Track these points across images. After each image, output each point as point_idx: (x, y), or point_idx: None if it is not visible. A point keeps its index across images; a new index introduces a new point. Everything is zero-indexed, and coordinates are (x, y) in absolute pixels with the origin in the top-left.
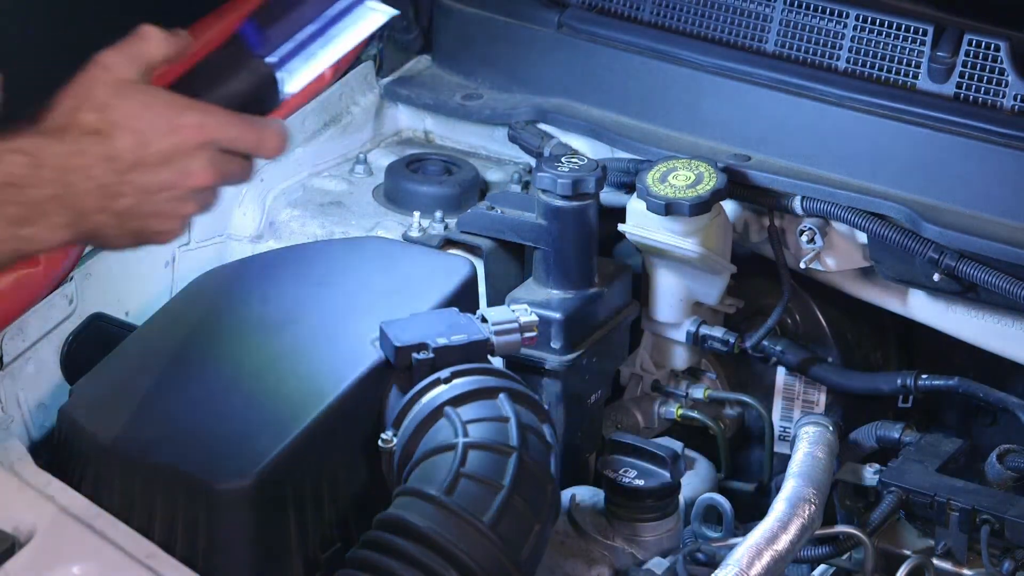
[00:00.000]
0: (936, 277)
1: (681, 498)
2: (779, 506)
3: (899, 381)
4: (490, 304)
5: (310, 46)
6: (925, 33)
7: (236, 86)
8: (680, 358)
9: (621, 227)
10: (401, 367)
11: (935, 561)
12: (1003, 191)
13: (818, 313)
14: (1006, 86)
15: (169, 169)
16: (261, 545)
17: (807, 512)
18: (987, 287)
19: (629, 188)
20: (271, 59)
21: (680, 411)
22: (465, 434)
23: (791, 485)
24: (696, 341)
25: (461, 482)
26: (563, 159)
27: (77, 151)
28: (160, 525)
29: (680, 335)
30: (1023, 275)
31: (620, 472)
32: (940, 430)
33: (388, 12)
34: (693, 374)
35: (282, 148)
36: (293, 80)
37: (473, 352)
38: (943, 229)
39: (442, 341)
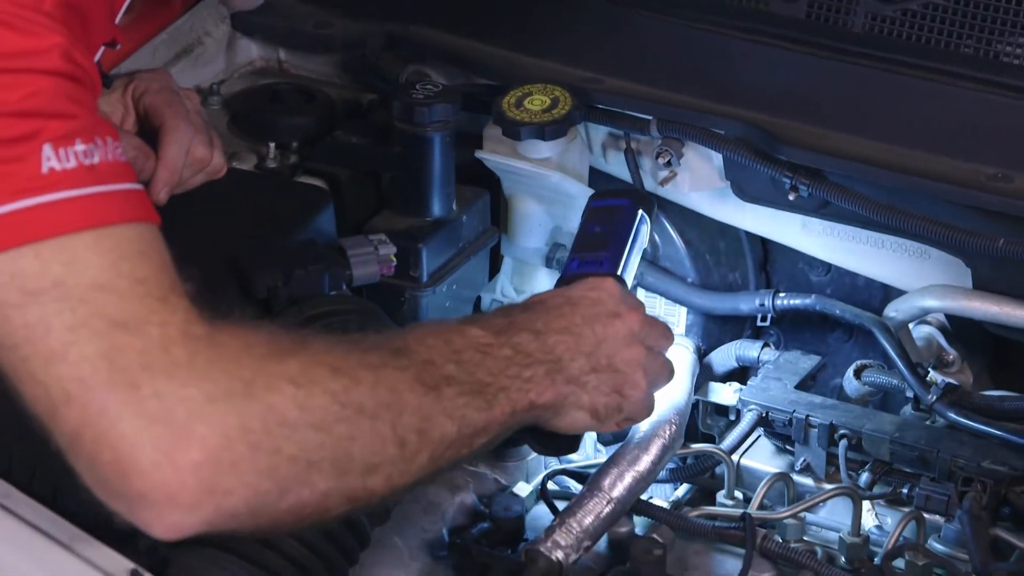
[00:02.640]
0: (791, 196)
1: None
2: (640, 427)
3: (757, 300)
4: (348, 234)
5: (630, 259)
6: None
7: None
8: (541, 282)
9: (478, 153)
10: (258, 297)
11: (795, 477)
12: (854, 109)
13: (675, 234)
14: (857, 5)
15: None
16: None
17: (668, 432)
18: (840, 204)
19: (485, 113)
20: (620, 273)
21: None
22: None
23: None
24: (556, 265)
25: None
26: (418, 86)
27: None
28: None
29: (540, 259)
30: (875, 191)
31: None
32: (798, 348)
33: (650, 226)
34: None
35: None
36: None
37: (330, 282)
38: (796, 148)
39: (299, 272)
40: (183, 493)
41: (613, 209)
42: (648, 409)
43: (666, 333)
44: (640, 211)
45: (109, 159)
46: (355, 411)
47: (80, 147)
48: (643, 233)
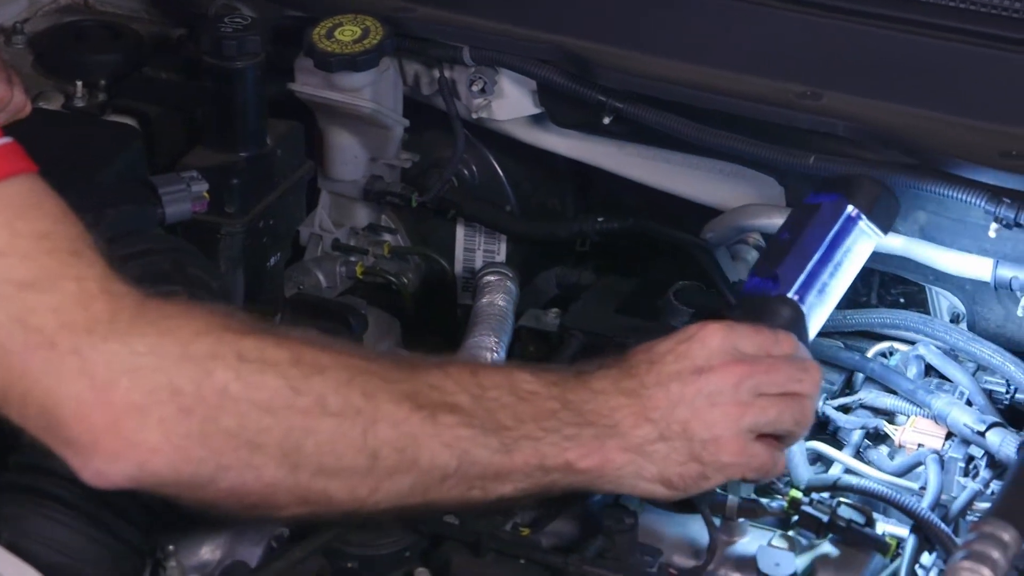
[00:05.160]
0: (605, 120)
1: None
2: (460, 355)
3: (576, 226)
4: (159, 171)
5: (820, 276)
6: None
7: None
8: (359, 215)
9: (290, 85)
10: None
11: None
12: (666, 32)
13: (494, 163)
14: None
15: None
16: None
17: (490, 360)
18: (655, 127)
19: (297, 45)
20: (792, 295)
21: (362, 268)
22: None
23: (473, 334)
24: (374, 197)
25: None
26: (227, 19)
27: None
28: None
29: (357, 192)
30: (688, 113)
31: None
32: (619, 272)
33: (880, 235)
34: (373, 230)
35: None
36: (815, 316)
37: (142, 221)
38: (610, 72)
39: (109, 211)
40: (104, 441)
41: (812, 209)
42: (760, 470)
43: (797, 375)
44: (850, 207)
45: None
46: (314, 403)
47: None
48: (855, 238)
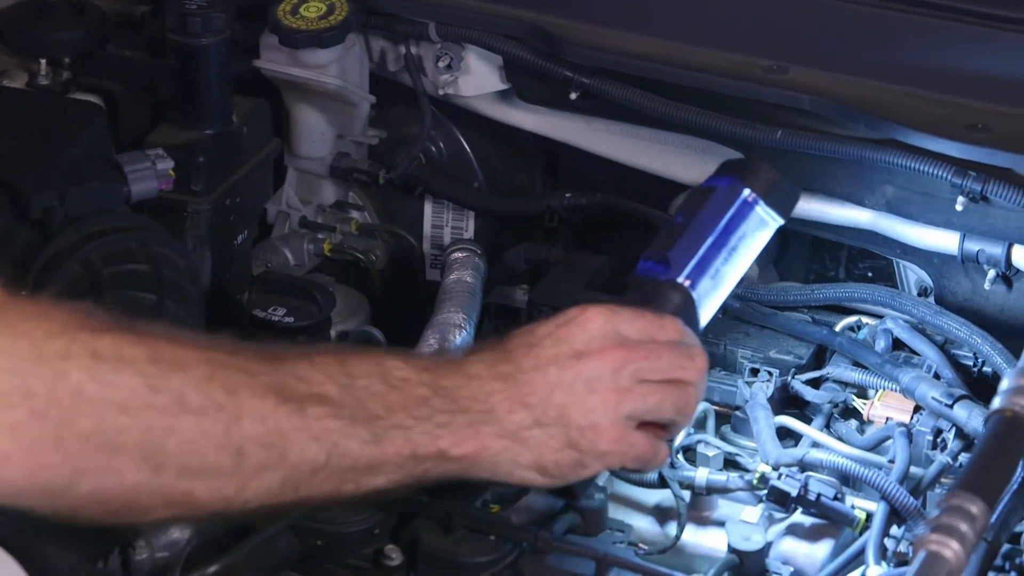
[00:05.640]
0: (572, 95)
1: (333, 333)
2: (429, 332)
3: (544, 202)
4: (124, 150)
5: (714, 262)
6: None
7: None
8: (326, 193)
9: (256, 62)
10: (33, 218)
11: None
12: (631, 6)
13: (461, 139)
14: None
15: None
16: None
17: (458, 337)
18: (622, 102)
19: (262, 22)
20: (682, 279)
21: (329, 246)
22: (100, 283)
23: (441, 311)
24: (341, 175)
25: None
26: None
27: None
28: None
29: (324, 169)
30: (655, 88)
31: (269, 311)
32: (587, 248)
33: (778, 221)
34: (341, 208)
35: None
36: (707, 302)
37: (108, 199)
38: (577, 47)
39: (74, 190)
40: None
41: (707, 192)
42: (639, 459)
43: (681, 362)
44: (747, 192)
45: None
46: (173, 402)
47: None
48: (752, 221)
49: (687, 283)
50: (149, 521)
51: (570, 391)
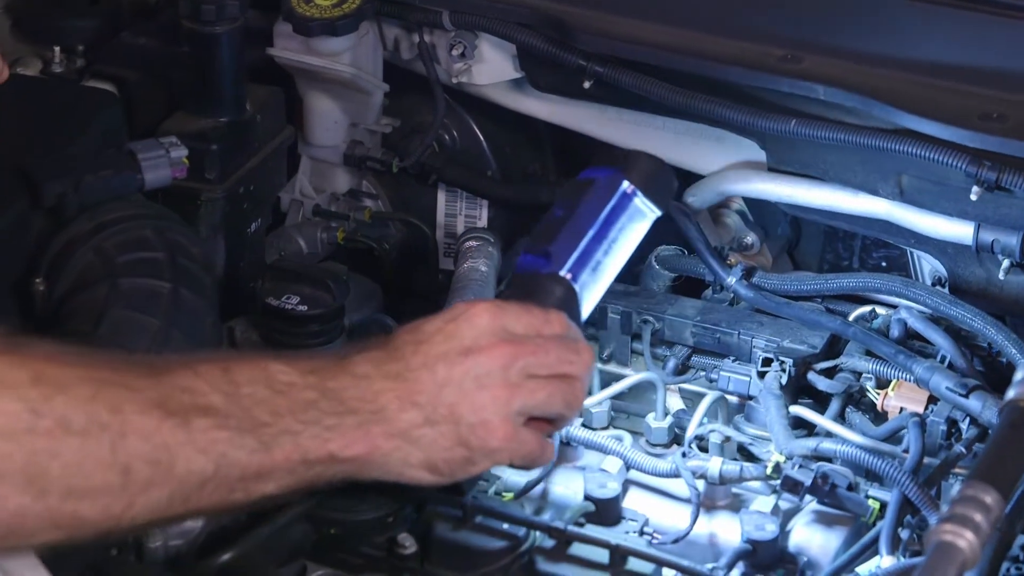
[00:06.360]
0: (586, 84)
1: (346, 321)
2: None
3: (557, 190)
4: (138, 138)
5: (595, 254)
6: None
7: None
8: (340, 181)
9: (269, 50)
10: (47, 206)
11: (600, 366)
12: None
13: (474, 127)
14: None
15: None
16: None
17: None
18: (635, 91)
19: (276, 10)
20: (564, 273)
21: (343, 234)
22: (114, 271)
23: (454, 299)
24: (354, 163)
25: (112, 317)
26: None
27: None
28: None
29: (338, 158)
30: (668, 77)
31: (283, 299)
32: None
33: (656, 212)
34: (354, 196)
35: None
36: (588, 295)
37: (121, 187)
38: (589, 36)
39: (88, 178)
40: None
41: (586, 184)
42: (528, 456)
43: (568, 356)
44: (626, 183)
45: None
46: (56, 424)
47: None
48: (631, 213)
49: (569, 276)
50: (35, 543)
51: (460, 388)
